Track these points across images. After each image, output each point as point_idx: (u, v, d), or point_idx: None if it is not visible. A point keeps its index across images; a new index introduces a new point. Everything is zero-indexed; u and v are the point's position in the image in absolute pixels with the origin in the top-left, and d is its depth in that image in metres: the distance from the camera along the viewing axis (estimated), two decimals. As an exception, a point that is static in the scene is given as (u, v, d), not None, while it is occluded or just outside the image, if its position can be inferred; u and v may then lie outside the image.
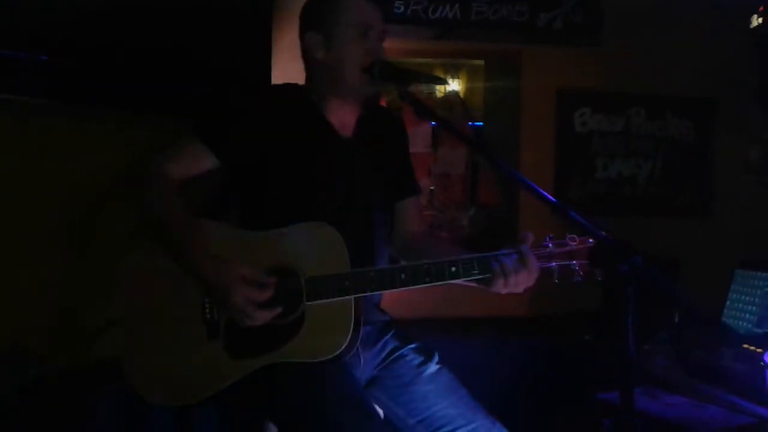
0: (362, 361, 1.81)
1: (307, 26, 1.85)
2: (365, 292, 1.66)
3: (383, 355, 1.87)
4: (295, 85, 1.91)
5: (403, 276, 1.66)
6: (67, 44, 2.45)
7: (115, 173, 2.39)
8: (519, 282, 1.63)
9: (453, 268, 1.64)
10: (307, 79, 1.90)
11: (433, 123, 3.36)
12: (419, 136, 3.54)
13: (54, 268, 2.42)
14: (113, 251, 1.80)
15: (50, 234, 2.42)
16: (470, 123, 3.64)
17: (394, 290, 1.68)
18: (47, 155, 2.42)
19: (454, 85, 4.67)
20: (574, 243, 1.66)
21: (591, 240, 1.61)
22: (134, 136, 2.49)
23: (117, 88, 2.51)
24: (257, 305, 1.62)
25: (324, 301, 1.64)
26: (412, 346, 1.87)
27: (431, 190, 3.62)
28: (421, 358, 1.84)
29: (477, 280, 1.67)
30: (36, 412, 2.24)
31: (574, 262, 1.66)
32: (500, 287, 1.64)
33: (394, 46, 2.82)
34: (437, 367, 1.83)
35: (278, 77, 2.76)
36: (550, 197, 1.50)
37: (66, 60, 2.45)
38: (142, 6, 2.51)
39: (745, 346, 2.16)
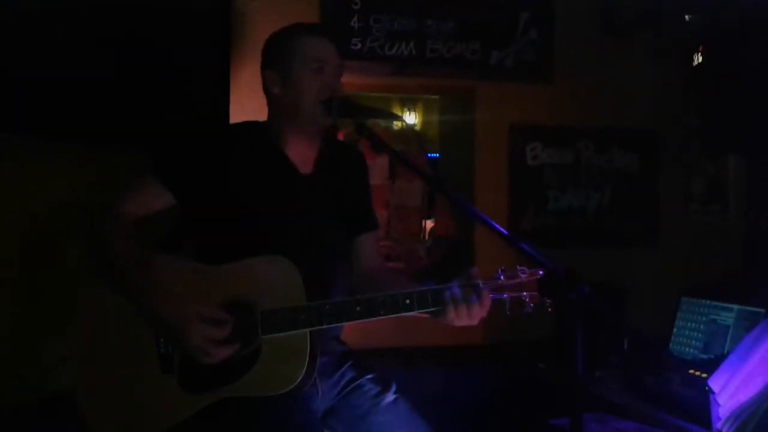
0: (320, 392, 1.81)
1: (265, 64, 1.90)
2: (321, 325, 1.67)
3: (341, 385, 1.88)
4: (254, 123, 1.94)
5: (358, 308, 1.67)
6: (19, 76, 2.43)
7: (69, 208, 2.37)
8: (471, 314, 1.65)
9: (407, 301, 1.66)
10: (268, 114, 1.93)
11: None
12: (376, 169, 3.58)
13: (5, 304, 2.38)
14: (66, 287, 1.78)
15: (1, 270, 2.38)
16: (426, 156, 3.71)
17: (350, 323, 1.70)
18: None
19: (411, 119, 4.76)
20: (525, 275, 1.69)
21: (540, 272, 1.65)
22: (88, 170, 2.47)
23: (71, 121, 2.49)
24: (215, 343, 1.62)
25: (280, 334, 1.64)
26: (369, 376, 1.89)
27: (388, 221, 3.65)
28: (378, 389, 1.86)
29: (430, 312, 1.69)
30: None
31: (525, 293, 1.68)
32: (452, 319, 1.66)
33: (352, 82, 2.89)
34: (394, 396, 1.85)
35: (236, 110, 2.78)
36: (501, 229, 1.55)
37: (17, 92, 2.42)
38: (97, 37, 2.51)
39: (691, 371, 2.24)
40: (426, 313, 1.69)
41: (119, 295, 1.68)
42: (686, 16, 3.52)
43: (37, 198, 2.43)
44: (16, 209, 2.40)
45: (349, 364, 1.92)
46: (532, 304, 1.68)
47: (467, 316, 1.65)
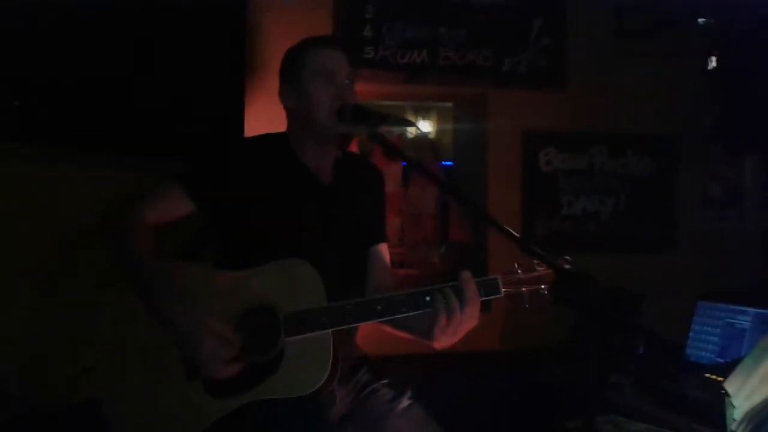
0: (337, 398, 1.83)
1: (281, 79, 1.95)
2: (343, 326, 1.69)
3: (357, 390, 1.89)
4: (274, 135, 1.98)
5: (379, 308, 1.68)
6: (42, 88, 2.47)
7: (91, 216, 2.41)
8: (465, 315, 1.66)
9: (428, 298, 1.68)
10: (287, 127, 1.98)
11: (404, 163, 3.44)
12: (389, 176, 3.60)
13: (30, 310, 2.41)
14: (92, 293, 1.81)
15: (29, 274, 2.42)
16: (440, 164, 3.73)
17: (372, 322, 1.71)
18: (23, 200, 2.43)
19: (425, 127, 4.78)
20: (542, 268, 1.71)
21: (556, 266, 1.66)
22: (109, 179, 2.51)
23: (93, 132, 2.53)
24: (223, 360, 1.63)
25: (303, 336, 1.66)
26: (384, 381, 1.90)
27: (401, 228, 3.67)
28: (393, 393, 1.87)
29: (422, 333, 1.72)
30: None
31: (543, 286, 1.70)
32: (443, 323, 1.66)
33: (366, 90, 2.92)
34: (409, 402, 1.86)
35: (251, 122, 2.82)
36: (515, 233, 1.56)
37: (42, 104, 2.47)
38: (117, 49, 2.55)
39: (707, 375, 2.23)
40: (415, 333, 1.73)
41: (141, 300, 1.71)
42: (699, 20, 3.52)
43: (61, 206, 2.47)
44: (43, 217, 2.44)
45: (364, 368, 1.93)
46: (551, 297, 1.69)
47: (468, 316, 1.66)
